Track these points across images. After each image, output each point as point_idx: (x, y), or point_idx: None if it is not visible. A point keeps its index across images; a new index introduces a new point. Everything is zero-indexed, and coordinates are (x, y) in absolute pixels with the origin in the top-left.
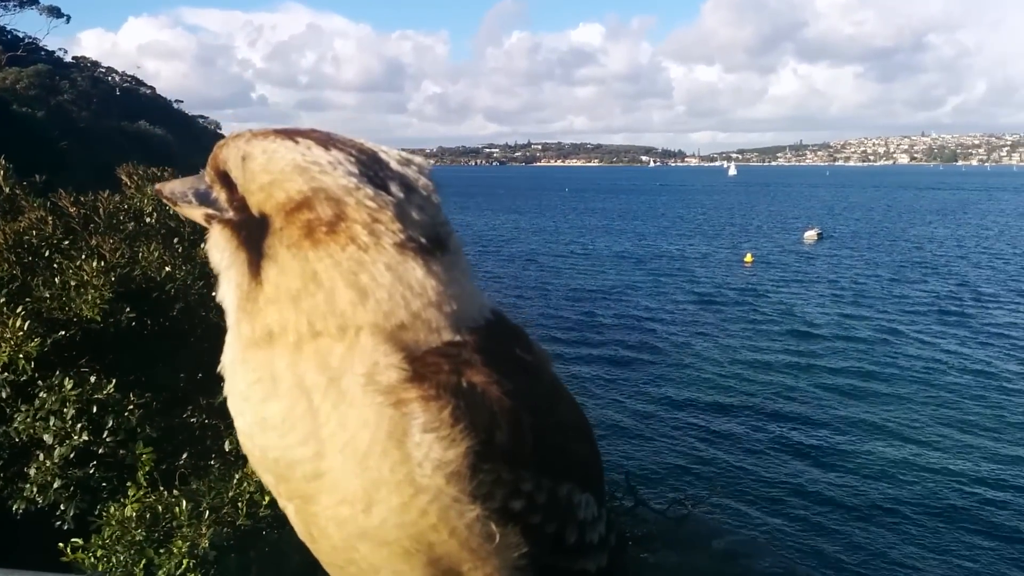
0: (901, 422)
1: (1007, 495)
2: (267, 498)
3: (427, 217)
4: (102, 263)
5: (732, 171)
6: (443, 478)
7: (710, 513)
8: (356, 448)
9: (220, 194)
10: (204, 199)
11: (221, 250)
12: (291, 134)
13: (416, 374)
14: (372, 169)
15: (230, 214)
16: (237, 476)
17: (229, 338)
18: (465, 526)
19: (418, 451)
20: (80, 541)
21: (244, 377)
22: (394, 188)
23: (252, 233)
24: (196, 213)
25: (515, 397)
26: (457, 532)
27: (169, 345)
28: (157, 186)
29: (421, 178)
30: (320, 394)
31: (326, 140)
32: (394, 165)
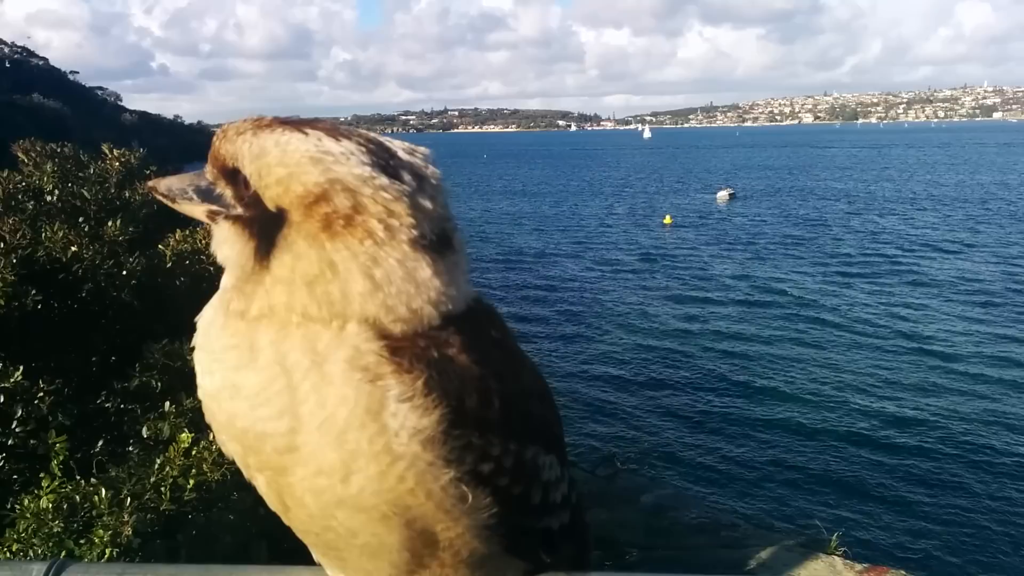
0: (816, 378)
1: (915, 441)
2: (191, 482)
3: (438, 208)
4: (2, 245)
5: (647, 134)
6: (419, 444)
7: (638, 470)
8: (335, 424)
9: (225, 190)
10: (207, 196)
11: (231, 245)
12: (298, 125)
13: (392, 351)
14: (383, 158)
15: (238, 210)
16: (158, 461)
17: (214, 303)
18: (440, 488)
19: (394, 421)
20: None
21: (220, 340)
22: (406, 177)
23: (265, 227)
24: (198, 210)
25: (483, 367)
26: (433, 495)
27: (79, 328)
28: (150, 183)
29: (429, 166)
30: (301, 374)
31: (334, 130)
32: (402, 154)
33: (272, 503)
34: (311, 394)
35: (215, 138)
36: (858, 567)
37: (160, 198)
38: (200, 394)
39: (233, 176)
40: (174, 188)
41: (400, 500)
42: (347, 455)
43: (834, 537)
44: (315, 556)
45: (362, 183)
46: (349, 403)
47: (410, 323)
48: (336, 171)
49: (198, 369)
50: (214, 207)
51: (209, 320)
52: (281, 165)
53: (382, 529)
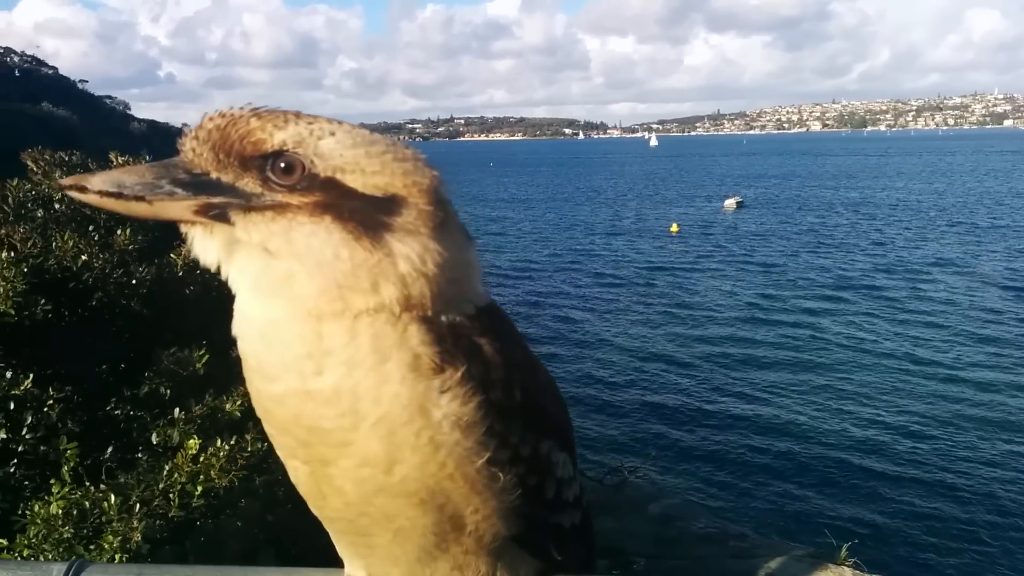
0: (824, 388)
1: (927, 454)
2: (199, 488)
3: None
4: (12, 253)
5: (653, 142)
6: (460, 432)
7: (646, 480)
8: (387, 420)
9: (243, 179)
10: (204, 189)
11: (292, 237)
12: (341, 123)
13: (440, 345)
14: None
15: (276, 197)
16: (167, 468)
17: (280, 304)
18: (475, 471)
19: (437, 412)
20: (5, 541)
21: (292, 347)
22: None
23: (363, 215)
24: (181, 206)
25: (506, 358)
26: (468, 477)
27: (89, 336)
28: (67, 180)
29: None
30: (363, 372)
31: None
32: None
33: (309, 491)
34: (370, 391)
35: (239, 124)
36: None
37: (98, 200)
38: (259, 397)
39: (263, 163)
40: (128, 183)
41: (439, 485)
42: (393, 448)
43: (844, 547)
44: (338, 547)
45: (441, 184)
46: (402, 400)
47: (460, 306)
48: (430, 172)
49: (259, 374)
50: (219, 199)
51: (274, 320)
52: (401, 160)
53: (417, 513)
